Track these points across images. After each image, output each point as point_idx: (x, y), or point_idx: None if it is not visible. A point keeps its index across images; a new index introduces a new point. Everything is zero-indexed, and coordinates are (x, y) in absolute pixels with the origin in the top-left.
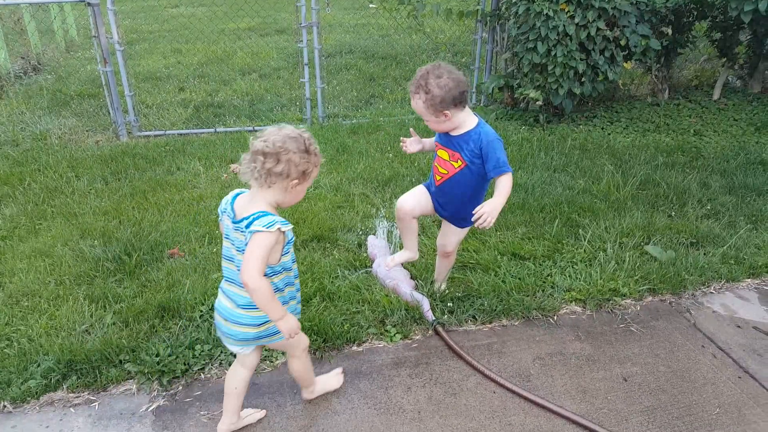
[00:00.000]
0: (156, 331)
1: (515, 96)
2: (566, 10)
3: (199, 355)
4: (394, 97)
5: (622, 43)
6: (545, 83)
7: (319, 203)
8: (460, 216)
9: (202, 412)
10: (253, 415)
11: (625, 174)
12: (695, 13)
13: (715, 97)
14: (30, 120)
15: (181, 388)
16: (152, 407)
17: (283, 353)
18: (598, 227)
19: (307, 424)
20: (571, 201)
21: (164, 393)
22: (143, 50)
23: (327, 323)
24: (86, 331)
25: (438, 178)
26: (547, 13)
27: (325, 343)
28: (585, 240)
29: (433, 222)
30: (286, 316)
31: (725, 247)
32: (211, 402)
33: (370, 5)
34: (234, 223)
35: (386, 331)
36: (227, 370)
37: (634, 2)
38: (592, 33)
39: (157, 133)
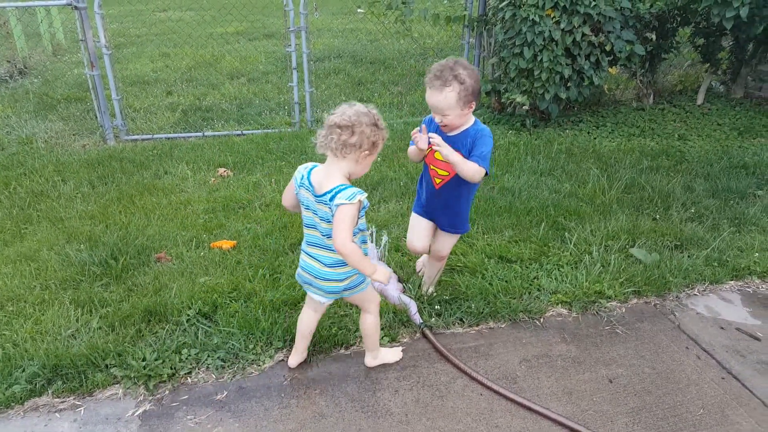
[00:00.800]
0: (142, 335)
1: (502, 100)
2: (552, 16)
3: (186, 359)
4: (383, 102)
5: (608, 48)
6: (532, 88)
7: None
8: (458, 219)
9: (188, 417)
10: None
11: (611, 178)
12: (679, 19)
13: (699, 101)
14: (16, 124)
15: (167, 392)
16: (138, 412)
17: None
18: (583, 230)
19: (295, 427)
20: (558, 204)
21: (151, 397)
22: (131, 54)
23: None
24: (72, 335)
25: (438, 181)
26: (533, 19)
27: (314, 347)
28: (571, 243)
29: None
30: (377, 268)
31: (709, 250)
32: (198, 406)
33: (359, 10)
34: (316, 197)
35: None
36: (214, 374)
37: (619, 8)
38: (578, 38)
39: (145, 137)
